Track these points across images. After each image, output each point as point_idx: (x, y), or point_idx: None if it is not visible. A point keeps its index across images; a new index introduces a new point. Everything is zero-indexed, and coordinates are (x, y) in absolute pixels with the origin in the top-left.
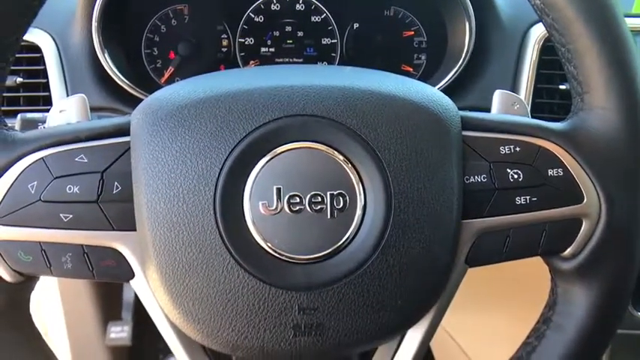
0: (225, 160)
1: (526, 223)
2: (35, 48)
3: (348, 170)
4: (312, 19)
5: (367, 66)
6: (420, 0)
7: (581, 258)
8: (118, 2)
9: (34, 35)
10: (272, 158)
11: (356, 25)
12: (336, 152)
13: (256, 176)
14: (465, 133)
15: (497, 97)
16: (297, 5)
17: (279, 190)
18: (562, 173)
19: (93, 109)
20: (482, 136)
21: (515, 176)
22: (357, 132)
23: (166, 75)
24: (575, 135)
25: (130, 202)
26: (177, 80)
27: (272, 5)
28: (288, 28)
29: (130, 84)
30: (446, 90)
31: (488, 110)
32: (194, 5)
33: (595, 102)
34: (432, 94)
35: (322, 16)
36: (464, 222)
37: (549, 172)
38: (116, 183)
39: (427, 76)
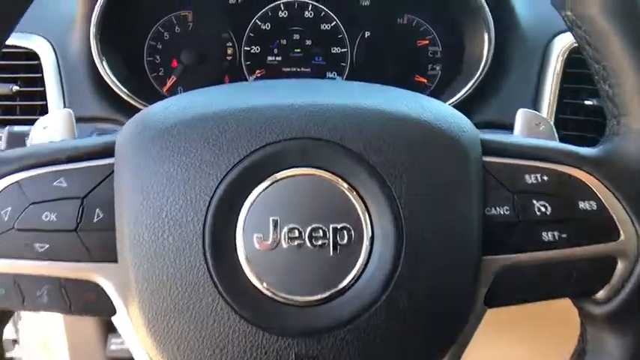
0: (217, 187)
1: (553, 261)
2: (33, 55)
3: (354, 200)
4: (322, 27)
5: (379, 77)
6: (436, 7)
7: (615, 303)
8: (119, 8)
9: (32, 42)
10: (268, 186)
11: (367, 34)
12: (340, 180)
13: (250, 206)
14: (485, 158)
15: (520, 116)
16: (306, 12)
17: (275, 222)
18: (595, 206)
19: (92, 120)
20: (505, 163)
21: (542, 209)
22: (363, 157)
23: (169, 84)
24: (609, 163)
25: (112, 230)
26: (180, 90)
27: (280, 12)
28: (296, 37)
29: (129, 93)
30: (462, 103)
31: (507, 126)
32: (198, 12)
33: (633, 125)
34: (449, 115)
35: (332, 24)
36: (484, 258)
37: (580, 205)
38: (97, 210)
39: (442, 88)
